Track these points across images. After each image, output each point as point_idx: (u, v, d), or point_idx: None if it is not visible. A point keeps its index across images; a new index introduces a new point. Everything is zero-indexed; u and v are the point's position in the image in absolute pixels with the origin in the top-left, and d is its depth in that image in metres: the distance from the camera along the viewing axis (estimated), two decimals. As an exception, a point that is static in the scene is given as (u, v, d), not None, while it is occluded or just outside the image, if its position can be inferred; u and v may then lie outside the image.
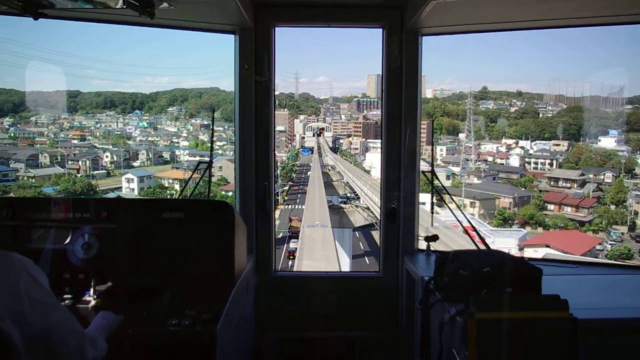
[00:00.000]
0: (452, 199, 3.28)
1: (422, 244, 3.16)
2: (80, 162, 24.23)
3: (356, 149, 31.81)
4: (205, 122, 30.37)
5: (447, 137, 29.72)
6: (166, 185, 22.90)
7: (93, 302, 2.14)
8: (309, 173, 30.12)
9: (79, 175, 23.47)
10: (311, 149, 32.04)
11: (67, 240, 2.33)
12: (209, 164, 2.95)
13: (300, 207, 24.73)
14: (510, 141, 28.21)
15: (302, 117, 33.47)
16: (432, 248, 3.12)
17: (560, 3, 2.62)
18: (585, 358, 1.84)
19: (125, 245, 2.36)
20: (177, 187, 22.09)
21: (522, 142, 27.79)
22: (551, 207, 23.75)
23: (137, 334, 1.98)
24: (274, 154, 3.28)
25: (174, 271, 2.32)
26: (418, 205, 3.22)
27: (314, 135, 32.36)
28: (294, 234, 19.98)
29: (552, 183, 24.58)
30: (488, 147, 28.62)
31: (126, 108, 29.42)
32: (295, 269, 15.38)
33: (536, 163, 26.45)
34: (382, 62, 3.17)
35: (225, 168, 21.31)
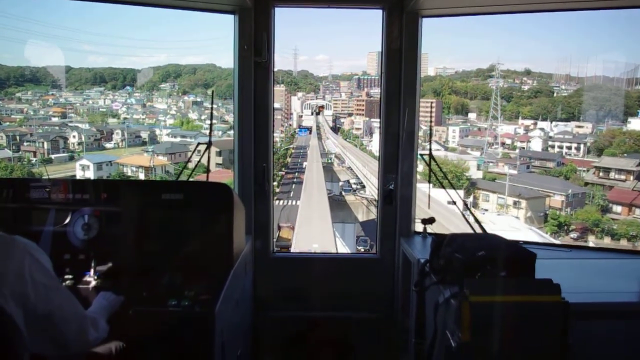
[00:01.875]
0: (451, 183, 3.41)
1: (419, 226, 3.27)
2: (36, 144, 21.34)
3: (359, 128, 29.58)
4: (199, 99, 30.12)
5: (457, 117, 28.16)
6: (129, 173, 19.88)
7: (93, 283, 2.25)
8: (304, 164, 24.79)
9: (34, 159, 20.56)
10: (309, 129, 30.06)
11: (67, 221, 2.43)
12: (208, 144, 3.02)
13: (294, 202, 19.59)
14: (528, 122, 25.57)
15: (300, 94, 32.38)
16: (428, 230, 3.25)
17: None
18: (576, 341, 1.93)
19: (125, 226, 2.47)
20: (141, 176, 19.30)
21: (540, 123, 25.13)
22: (617, 208, 18.33)
23: (138, 315, 2.09)
24: (273, 135, 3.39)
25: (173, 252, 2.42)
26: (415, 187, 3.33)
27: (312, 114, 30.80)
28: (283, 250, 13.79)
29: (600, 174, 19.85)
30: (504, 128, 26.01)
31: (117, 84, 29.08)
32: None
33: (561, 147, 23.26)
34: (381, 43, 3.26)
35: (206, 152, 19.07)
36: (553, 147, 23.68)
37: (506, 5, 3.07)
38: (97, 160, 20.59)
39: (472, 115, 28.50)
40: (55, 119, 25.63)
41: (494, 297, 1.94)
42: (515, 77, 29.54)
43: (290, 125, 30.77)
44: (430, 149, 3.21)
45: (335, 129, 30.46)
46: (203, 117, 27.58)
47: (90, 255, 2.34)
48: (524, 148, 24.13)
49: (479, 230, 2.92)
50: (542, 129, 24.89)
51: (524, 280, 2.07)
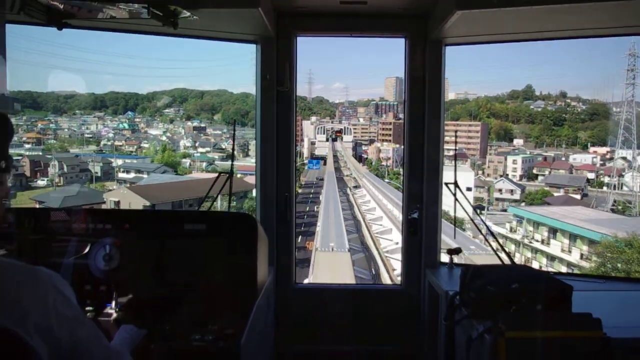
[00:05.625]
0: (477, 213, 3.59)
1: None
2: None
3: (389, 158, 27.46)
4: (202, 125, 30.43)
5: (500, 143, 27.29)
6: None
7: (115, 315, 2.38)
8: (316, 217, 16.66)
9: None
10: (324, 159, 26.54)
11: (89, 252, 2.60)
12: (230, 175, 3.23)
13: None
14: (602, 149, 23.88)
15: (313, 118, 31.94)
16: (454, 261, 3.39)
17: (588, 14, 2.88)
18: None
19: (147, 257, 2.62)
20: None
21: (620, 151, 23.07)
22: None
23: (160, 350, 2.21)
24: (295, 164, 3.64)
25: (196, 284, 2.57)
26: (440, 217, 3.52)
27: (327, 140, 28.63)
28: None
29: None
30: (578, 157, 24.05)
31: (118, 109, 29.80)
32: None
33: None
34: (404, 71, 3.52)
35: (127, 206, 13.97)
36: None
37: (531, 32, 3.28)
38: None
39: (517, 142, 27.62)
40: (27, 145, 25.01)
41: (531, 333, 2.04)
42: (555, 99, 28.92)
43: (301, 153, 28.13)
44: (455, 176, 3.40)
45: (358, 158, 28.10)
46: (197, 144, 27.07)
47: (112, 287, 2.50)
48: (614, 185, 21.33)
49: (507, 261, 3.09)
50: (624, 158, 22.82)
51: (562, 314, 2.17)
